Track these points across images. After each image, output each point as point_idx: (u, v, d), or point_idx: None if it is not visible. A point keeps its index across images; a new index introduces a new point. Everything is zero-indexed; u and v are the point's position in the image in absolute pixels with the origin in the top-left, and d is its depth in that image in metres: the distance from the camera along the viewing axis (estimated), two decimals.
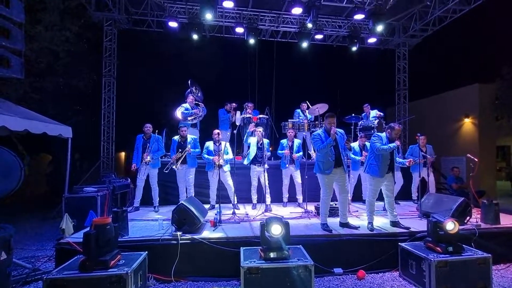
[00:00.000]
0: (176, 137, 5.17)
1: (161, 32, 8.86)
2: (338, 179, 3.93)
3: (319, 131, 3.97)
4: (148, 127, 5.15)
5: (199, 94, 6.83)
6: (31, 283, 3.22)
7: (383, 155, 3.86)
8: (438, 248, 3.14)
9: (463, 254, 3.11)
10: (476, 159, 5.13)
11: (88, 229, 2.77)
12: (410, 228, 3.91)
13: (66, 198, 4.52)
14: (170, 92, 9.73)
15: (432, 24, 8.73)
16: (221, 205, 4.44)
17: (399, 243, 3.51)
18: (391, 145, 3.82)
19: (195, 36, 8.06)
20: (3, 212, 5.62)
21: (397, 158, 4.10)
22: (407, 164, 4.02)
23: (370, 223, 3.95)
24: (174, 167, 4.91)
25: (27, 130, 4.16)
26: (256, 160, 5.20)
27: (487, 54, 10.79)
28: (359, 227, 3.94)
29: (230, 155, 5.07)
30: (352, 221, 4.30)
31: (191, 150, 5.01)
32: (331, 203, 4.24)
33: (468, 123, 9.53)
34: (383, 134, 3.99)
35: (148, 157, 5.00)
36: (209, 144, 5.10)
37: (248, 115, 6.45)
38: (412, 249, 3.29)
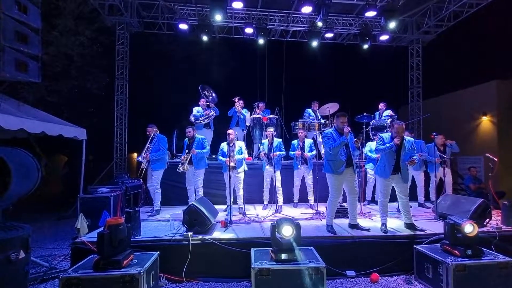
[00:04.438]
0: (186, 138, 5.18)
1: (171, 34, 8.99)
2: (348, 180, 3.87)
3: (330, 130, 3.92)
4: (148, 131, 5.03)
5: (213, 95, 6.84)
6: (48, 281, 3.31)
7: (386, 156, 3.82)
8: (456, 251, 3.03)
9: (483, 258, 2.98)
10: (495, 159, 4.93)
11: (102, 229, 2.83)
12: (425, 230, 3.79)
13: (81, 199, 4.64)
14: (181, 93, 9.85)
15: (447, 20, 8.45)
16: (232, 206, 4.45)
17: (414, 246, 3.41)
18: (387, 145, 3.75)
19: (205, 38, 8.11)
20: (20, 212, 5.81)
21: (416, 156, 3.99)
22: (407, 163, 3.90)
23: (384, 224, 3.86)
24: (181, 168, 4.91)
25: (44, 132, 4.30)
26: (267, 161, 5.17)
27: (505, 49, 10.34)
28: (369, 229, 3.85)
29: (243, 156, 4.86)
30: (364, 222, 4.22)
31: (196, 151, 4.91)
32: (342, 204, 4.19)
33: (486, 121, 9.16)
34: (387, 135, 3.93)
35: (141, 156, 4.90)
36: (224, 145, 5.03)
37: (257, 115, 6.43)
38: (428, 252, 3.18)
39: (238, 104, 6.47)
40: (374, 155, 5.34)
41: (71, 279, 2.54)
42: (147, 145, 4.96)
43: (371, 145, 5.51)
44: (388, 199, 3.95)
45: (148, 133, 5.06)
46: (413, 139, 4.04)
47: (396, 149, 3.78)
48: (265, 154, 5.17)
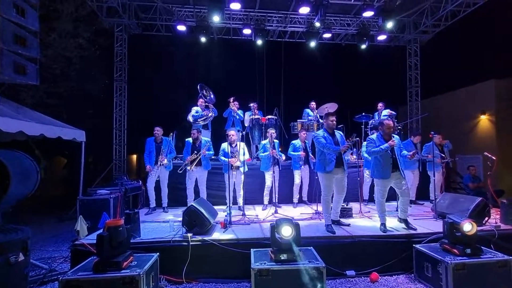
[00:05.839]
0: (190, 139, 5.19)
1: (170, 36, 9.00)
2: (337, 179, 3.92)
3: (320, 131, 3.99)
4: (158, 131, 5.20)
5: (211, 96, 6.88)
6: (48, 283, 3.31)
7: (382, 156, 3.82)
8: (455, 250, 3.04)
9: (482, 257, 2.99)
10: (494, 157, 4.94)
11: (101, 230, 2.83)
12: (416, 229, 3.81)
13: (80, 200, 4.64)
14: (179, 95, 9.85)
15: (445, 19, 8.49)
16: (231, 206, 4.45)
17: (414, 245, 3.41)
18: (382, 146, 3.74)
19: (203, 39, 8.13)
20: (20, 214, 5.82)
21: (404, 152, 4.00)
22: (408, 157, 3.91)
23: (383, 224, 3.87)
24: (188, 168, 4.93)
25: (43, 134, 4.30)
26: (273, 162, 5.15)
27: (503, 48, 10.38)
28: (349, 224, 4.03)
29: (245, 156, 4.96)
30: (364, 222, 4.27)
31: (206, 152, 5.02)
32: (342, 204, 4.21)
33: (484, 120, 9.19)
34: (374, 136, 3.95)
35: (165, 160, 5.12)
36: (225, 146, 5.05)
37: (256, 116, 6.44)
38: (428, 251, 3.19)
39: (233, 104, 6.52)
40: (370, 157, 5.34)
41: (70, 281, 2.53)
42: (162, 149, 5.15)
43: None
44: (385, 198, 3.96)
45: (157, 132, 5.17)
46: (398, 137, 4.04)
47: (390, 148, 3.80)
48: (276, 154, 5.13)
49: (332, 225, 3.88)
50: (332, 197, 4.04)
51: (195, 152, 4.99)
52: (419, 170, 5.70)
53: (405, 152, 3.95)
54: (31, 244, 2.67)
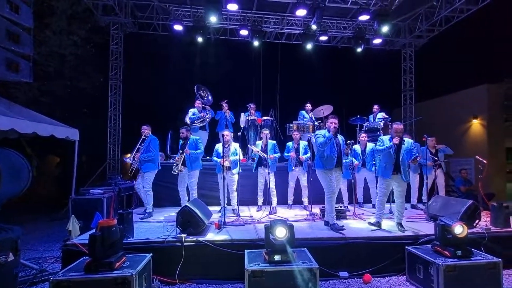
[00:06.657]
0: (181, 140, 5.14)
1: (166, 35, 8.97)
2: (335, 177, 4.01)
3: (323, 130, 4.09)
4: (144, 129, 5.01)
5: (209, 98, 6.88)
6: (38, 284, 3.25)
7: (386, 156, 3.92)
8: (446, 252, 3.08)
9: (472, 259, 3.03)
10: (485, 161, 5.02)
11: (94, 230, 2.80)
12: (405, 231, 3.84)
13: (73, 200, 4.58)
14: (176, 94, 9.79)
15: (439, 25, 8.63)
16: (226, 207, 4.44)
17: (406, 247, 3.45)
18: (387, 145, 3.87)
19: (200, 39, 8.12)
20: (11, 214, 5.71)
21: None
22: (411, 161, 3.99)
23: (378, 222, 3.98)
24: (176, 169, 4.88)
25: (36, 132, 4.24)
26: (261, 163, 5.17)
27: (496, 53, 10.60)
28: (343, 225, 3.99)
29: (237, 157, 4.88)
30: (358, 224, 4.30)
31: (190, 151, 4.85)
32: (336, 205, 4.24)
33: (476, 124, 9.35)
34: (386, 137, 4.03)
35: (129, 158, 4.86)
36: (218, 146, 5.03)
37: (252, 117, 6.45)
38: (420, 253, 3.23)
39: (225, 106, 6.58)
40: (352, 160, 5.32)
41: (61, 282, 2.50)
42: (137, 146, 4.91)
43: (356, 148, 5.58)
44: (387, 198, 4.04)
45: (143, 131, 5.02)
46: (411, 141, 4.12)
47: (395, 149, 3.88)
48: (258, 151, 5.12)
49: (337, 224, 3.94)
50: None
51: (180, 151, 4.91)
52: (419, 174, 5.73)
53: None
54: (21, 244, 2.64)
